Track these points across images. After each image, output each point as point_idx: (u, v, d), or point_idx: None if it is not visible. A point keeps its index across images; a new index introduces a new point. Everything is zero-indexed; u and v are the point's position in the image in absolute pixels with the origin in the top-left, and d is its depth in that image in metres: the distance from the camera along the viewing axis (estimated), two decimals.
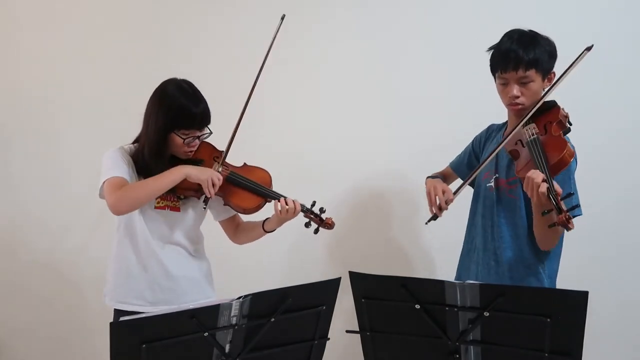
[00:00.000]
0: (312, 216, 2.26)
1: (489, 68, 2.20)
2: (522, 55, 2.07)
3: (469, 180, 2.22)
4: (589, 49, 1.98)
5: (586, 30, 2.85)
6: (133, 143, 2.24)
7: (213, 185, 2.13)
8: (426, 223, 2.20)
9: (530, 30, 2.15)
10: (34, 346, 3.14)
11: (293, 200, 2.21)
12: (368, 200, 3.07)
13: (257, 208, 2.24)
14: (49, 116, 3.09)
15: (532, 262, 2.14)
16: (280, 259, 3.08)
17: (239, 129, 2.23)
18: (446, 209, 2.18)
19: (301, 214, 2.24)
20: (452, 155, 2.51)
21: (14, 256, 3.12)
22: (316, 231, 2.29)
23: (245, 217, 2.38)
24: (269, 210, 2.25)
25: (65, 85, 3.08)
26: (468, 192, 2.34)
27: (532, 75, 2.09)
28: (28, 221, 3.11)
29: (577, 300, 1.60)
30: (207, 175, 2.13)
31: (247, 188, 2.24)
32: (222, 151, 2.26)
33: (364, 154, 3.00)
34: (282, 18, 2.20)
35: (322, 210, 2.28)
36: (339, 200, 3.04)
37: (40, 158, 3.10)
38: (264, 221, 2.30)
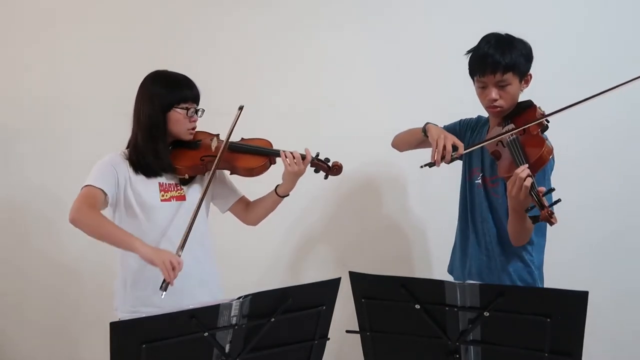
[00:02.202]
0: (319, 163, 2.32)
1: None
2: (499, 59, 2.10)
3: (472, 149, 2.18)
4: None
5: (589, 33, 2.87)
6: (127, 148, 2.23)
7: (173, 268, 1.96)
8: (421, 167, 2.14)
9: (507, 34, 2.17)
10: (37, 343, 3.14)
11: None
12: (368, 200, 3.07)
13: (263, 167, 2.28)
14: (52, 116, 3.08)
15: (521, 255, 2.17)
16: (279, 259, 3.08)
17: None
18: (447, 163, 2.12)
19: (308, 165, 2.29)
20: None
21: (16, 255, 3.13)
22: (326, 177, 2.35)
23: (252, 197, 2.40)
24: (277, 179, 2.30)
25: (70, 85, 3.07)
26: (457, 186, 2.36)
27: (509, 79, 2.12)
28: (29, 222, 3.12)
29: (577, 300, 1.61)
30: (165, 257, 1.96)
31: (250, 151, 2.29)
32: (218, 134, 2.32)
33: (364, 154, 3.00)
34: (240, 109, 2.21)
35: (327, 159, 2.33)
36: (339, 199, 3.05)
37: (42, 158, 3.10)
38: (276, 187, 2.32)
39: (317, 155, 2.32)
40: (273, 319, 1.71)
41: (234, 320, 1.67)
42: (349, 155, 2.96)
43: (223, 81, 2.97)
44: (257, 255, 3.03)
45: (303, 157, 2.25)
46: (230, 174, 2.33)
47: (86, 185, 2.10)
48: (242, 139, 2.34)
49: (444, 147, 2.11)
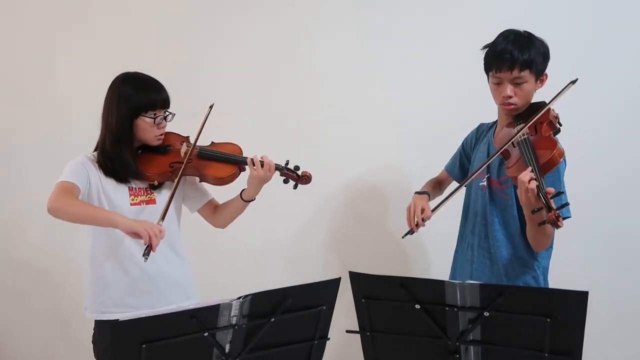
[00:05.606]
0: (288, 173, 2.27)
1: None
2: (517, 56, 2.09)
3: (454, 195, 2.21)
4: (573, 82, 2.04)
5: (588, 32, 2.87)
6: (95, 150, 2.22)
7: (155, 235, 1.98)
8: (402, 237, 2.23)
9: (525, 31, 2.16)
10: (36, 343, 3.15)
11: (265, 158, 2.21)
12: (367, 200, 3.07)
13: (233, 176, 2.25)
14: (49, 117, 3.09)
15: (526, 259, 2.16)
16: (279, 259, 3.08)
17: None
18: (423, 225, 2.22)
19: (277, 174, 2.25)
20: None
21: (11, 258, 3.13)
22: (295, 187, 2.30)
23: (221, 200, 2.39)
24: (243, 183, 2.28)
25: (68, 87, 3.08)
26: (461, 191, 2.34)
27: (526, 76, 2.11)
28: (28, 223, 3.12)
29: (577, 300, 1.61)
30: (147, 225, 1.99)
31: (219, 159, 2.25)
32: (188, 137, 2.29)
33: (363, 154, 3.00)
34: (211, 107, 2.18)
35: (297, 168, 2.28)
36: (339, 200, 3.05)
37: (42, 158, 3.10)
38: (241, 192, 2.29)
39: (287, 163, 2.27)
40: (273, 319, 1.71)
41: (234, 320, 1.67)
42: (351, 159, 2.99)
43: (222, 82, 2.97)
44: (256, 255, 3.03)
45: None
46: (200, 181, 2.29)
47: (60, 181, 2.11)
48: (213, 143, 2.30)
49: (414, 214, 2.24)
